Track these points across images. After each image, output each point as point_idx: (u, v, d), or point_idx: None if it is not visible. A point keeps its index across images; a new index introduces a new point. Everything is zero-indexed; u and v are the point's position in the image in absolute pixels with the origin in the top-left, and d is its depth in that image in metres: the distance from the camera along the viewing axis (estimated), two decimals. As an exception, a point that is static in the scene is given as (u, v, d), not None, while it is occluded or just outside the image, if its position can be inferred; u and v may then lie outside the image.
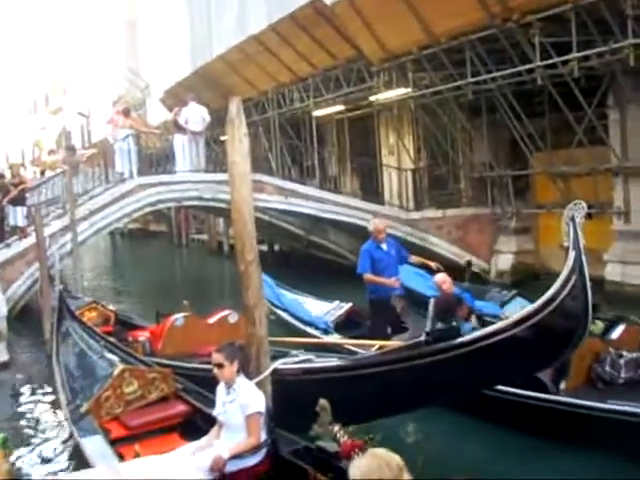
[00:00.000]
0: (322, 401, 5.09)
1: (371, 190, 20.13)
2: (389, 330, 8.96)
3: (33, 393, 10.56)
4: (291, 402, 5.73)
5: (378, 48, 17.25)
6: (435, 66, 16.39)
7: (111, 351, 8.08)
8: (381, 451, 2.97)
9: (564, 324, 5.60)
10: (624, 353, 6.94)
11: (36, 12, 57.09)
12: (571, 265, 5.43)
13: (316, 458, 5.14)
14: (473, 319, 8.26)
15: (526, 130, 15.69)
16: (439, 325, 7.30)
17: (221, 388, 5.58)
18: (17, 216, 16.55)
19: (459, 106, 17.42)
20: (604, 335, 7.62)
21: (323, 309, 11.17)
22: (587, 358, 7.17)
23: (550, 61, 13.40)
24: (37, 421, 9.24)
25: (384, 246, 9.33)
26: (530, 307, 5.76)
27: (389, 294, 9.08)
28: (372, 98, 19.11)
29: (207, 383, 6.37)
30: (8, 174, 18.03)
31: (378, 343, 7.70)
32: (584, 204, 6.43)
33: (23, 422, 9.30)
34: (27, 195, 17.17)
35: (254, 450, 5.30)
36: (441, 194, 19.18)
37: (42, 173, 23.26)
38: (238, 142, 6.64)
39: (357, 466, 2.93)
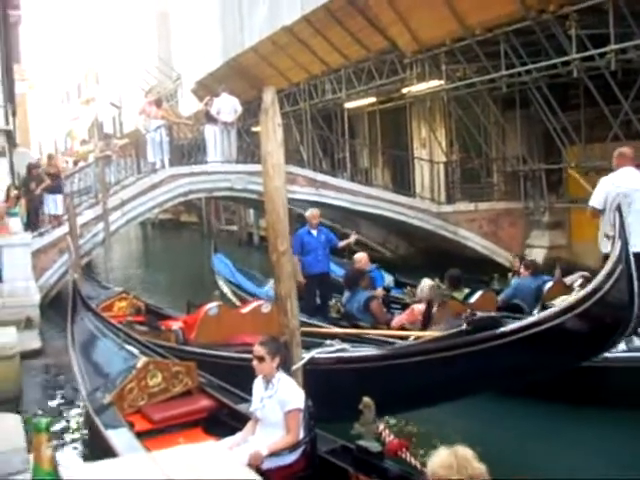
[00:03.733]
0: (366, 399, 4.98)
1: (402, 183, 20.00)
2: (318, 301, 10.91)
3: (62, 381, 10.59)
4: (326, 392, 5.61)
5: (411, 40, 17.14)
6: (468, 58, 16.25)
7: (130, 343, 8.05)
8: (463, 451, 2.99)
9: (609, 314, 5.53)
10: (478, 313, 7.71)
11: (69, 3, 57.46)
12: (617, 255, 5.33)
13: (357, 458, 5.02)
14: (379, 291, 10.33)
15: (560, 123, 15.50)
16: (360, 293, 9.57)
17: (259, 383, 5.46)
18: (53, 204, 16.66)
19: (492, 99, 17.27)
20: (465, 299, 9.39)
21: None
22: (449, 315, 8.57)
23: (587, 53, 13.21)
24: (61, 410, 9.26)
25: (314, 232, 11.20)
26: (574, 297, 5.69)
27: (312, 272, 10.86)
28: (404, 90, 19.00)
29: (243, 372, 6.36)
30: (45, 163, 18.18)
31: (414, 333, 7.63)
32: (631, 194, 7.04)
33: (49, 409, 9.30)
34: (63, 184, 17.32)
35: (292, 448, 5.16)
36: (473, 187, 19.03)
37: (75, 163, 23.45)
38: (272, 132, 6.60)
39: (438, 463, 2.94)
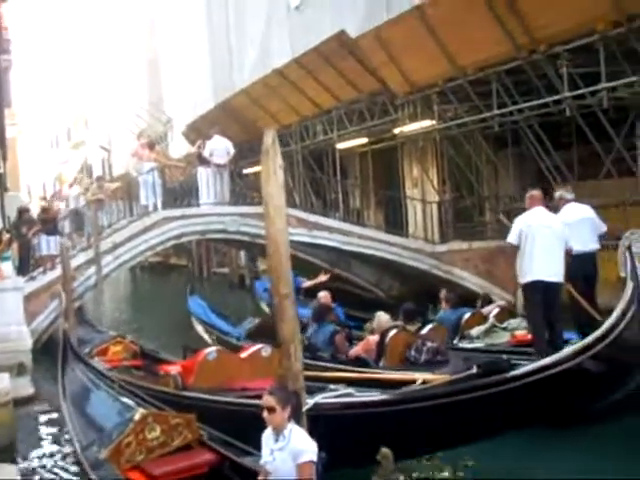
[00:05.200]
0: (384, 450, 4.88)
1: (395, 223, 19.99)
2: None
3: (56, 429, 10.38)
4: (332, 439, 5.40)
5: (403, 81, 17.24)
6: (460, 98, 16.34)
7: (124, 394, 7.82)
8: None
9: (622, 356, 5.46)
10: (428, 343, 9.37)
11: (58, 46, 57.81)
12: (629, 296, 5.30)
13: None
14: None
15: (553, 161, 15.56)
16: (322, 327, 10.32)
17: (268, 434, 5.22)
18: (46, 245, 16.57)
19: (484, 138, 17.35)
20: (418, 331, 10.15)
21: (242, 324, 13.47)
22: (400, 345, 9.49)
23: (579, 92, 13.29)
24: (55, 463, 8.95)
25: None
26: (587, 339, 5.62)
27: None
28: (396, 131, 19.06)
29: (245, 418, 6.23)
30: (37, 208, 18.18)
31: (422, 377, 7.51)
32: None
33: (43, 462, 9.06)
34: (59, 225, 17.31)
35: None
36: (466, 227, 19.02)
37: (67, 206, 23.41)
38: (273, 173, 6.56)
39: None
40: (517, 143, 16.88)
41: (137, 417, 6.46)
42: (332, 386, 7.23)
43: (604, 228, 10.22)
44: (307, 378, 6.72)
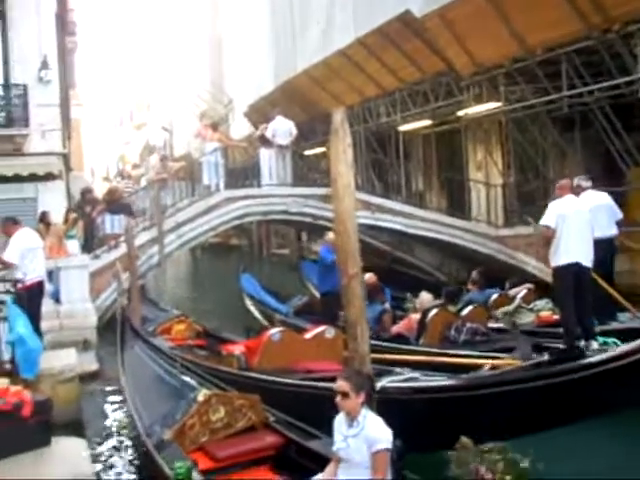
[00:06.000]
0: (464, 439, 4.74)
1: (458, 206, 19.74)
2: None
3: (118, 408, 10.47)
4: (398, 424, 5.19)
5: (468, 61, 16.95)
6: (528, 79, 16.00)
7: (186, 373, 7.74)
8: None
9: None
10: (467, 324, 9.79)
11: (122, 29, 58.47)
12: None
13: None
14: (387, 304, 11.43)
15: (623, 144, 15.13)
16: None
17: (341, 420, 5.02)
18: (110, 224, 16.75)
19: (551, 120, 16.95)
20: (459, 312, 10.36)
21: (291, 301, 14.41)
22: (440, 324, 9.86)
23: (653, 72, 12.91)
24: (119, 442, 9.00)
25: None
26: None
27: (331, 290, 11.11)
28: (461, 113, 18.76)
29: (309, 400, 6.16)
30: (101, 187, 18.38)
31: (490, 362, 7.35)
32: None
33: (106, 439, 9.15)
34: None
35: None
36: (531, 210, 18.64)
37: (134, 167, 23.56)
38: (342, 153, 6.48)
39: None
40: (585, 125, 16.43)
41: (201, 398, 6.36)
42: (398, 369, 7.12)
43: (620, 215, 10.67)
44: (373, 361, 6.64)
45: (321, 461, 5.38)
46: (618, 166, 15.58)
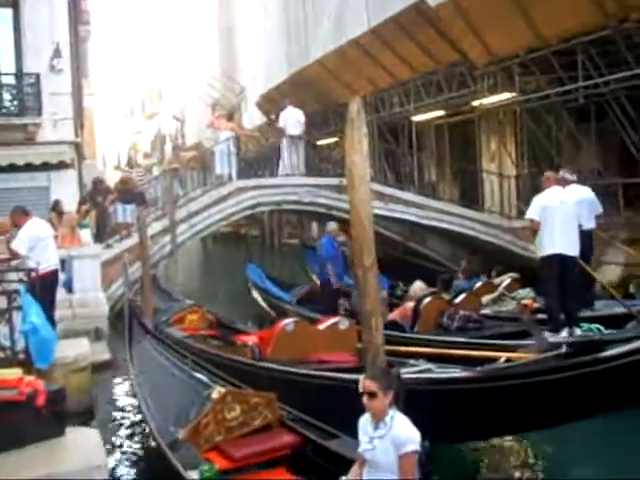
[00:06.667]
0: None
1: (471, 197, 19.64)
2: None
3: (129, 399, 10.44)
4: (412, 415, 5.24)
5: (483, 51, 16.83)
6: (543, 69, 15.86)
7: (197, 369, 7.62)
8: None
9: None
10: (460, 311, 10.27)
11: (134, 18, 58.45)
12: None
13: None
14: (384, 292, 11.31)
15: (639, 135, 15.00)
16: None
17: (366, 421, 4.76)
18: (123, 214, 16.73)
19: (566, 110, 16.82)
20: (452, 300, 10.93)
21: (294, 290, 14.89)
22: (434, 311, 10.33)
23: (671, 63, 12.79)
24: (130, 434, 9.00)
25: (335, 244, 12.55)
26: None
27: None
28: (475, 103, 18.64)
29: (322, 391, 6.11)
30: (112, 176, 18.34)
31: (505, 355, 7.29)
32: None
33: (118, 430, 9.14)
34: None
35: None
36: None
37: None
38: (358, 142, 6.46)
39: None
40: (601, 116, 16.29)
41: (215, 395, 6.24)
42: (412, 361, 7.07)
43: (600, 209, 11.20)
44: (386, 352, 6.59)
45: (339, 461, 5.24)
46: (634, 157, 15.46)
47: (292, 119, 18.17)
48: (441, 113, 20.99)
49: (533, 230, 9.18)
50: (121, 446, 8.50)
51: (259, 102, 30.60)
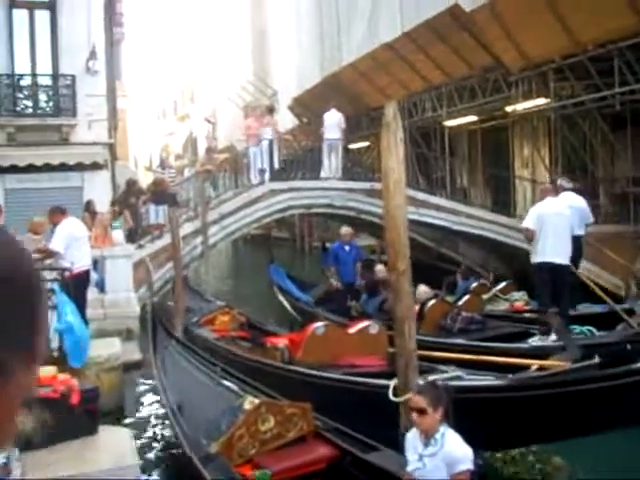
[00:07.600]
0: (557, 460, 4.56)
1: (503, 203, 19.50)
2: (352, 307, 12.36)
3: (159, 400, 10.44)
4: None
5: (518, 56, 16.72)
6: (578, 75, 15.71)
7: (226, 377, 7.42)
8: None
9: None
10: (462, 313, 10.59)
11: (168, 20, 58.78)
12: None
13: None
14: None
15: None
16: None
17: (414, 437, 4.59)
18: (155, 214, 16.82)
19: (602, 117, 16.65)
20: (455, 302, 11.41)
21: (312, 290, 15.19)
22: (437, 314, 10.64)
23: None
24: (159, 436, 8.95)
25: (347, 247, 13.09)
26: None
27: (344, 281, 12.84)
28: (509, 108, 18.51)
29: (353, 396, 6.07)
30: (144, 177, 18.43)
31: (537, 363, 7.21)
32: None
33: (146, 431, 9.13)
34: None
35: None
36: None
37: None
38: (394, 147, 6.39)
39: None
40: (637, 122, 16.11)
41: (248, 406, 5.97)
42: (442, 367, 7.02)
43: (592, 219, 11.88)
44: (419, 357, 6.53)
45: (381, 476, 5.04)
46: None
47: (331, 122, 18.15)
48: (474, 118, 20.87)
49: (529, 238, 9.71)
50: (149, 448, 8.49)
51: (291, 105, 30.62)
